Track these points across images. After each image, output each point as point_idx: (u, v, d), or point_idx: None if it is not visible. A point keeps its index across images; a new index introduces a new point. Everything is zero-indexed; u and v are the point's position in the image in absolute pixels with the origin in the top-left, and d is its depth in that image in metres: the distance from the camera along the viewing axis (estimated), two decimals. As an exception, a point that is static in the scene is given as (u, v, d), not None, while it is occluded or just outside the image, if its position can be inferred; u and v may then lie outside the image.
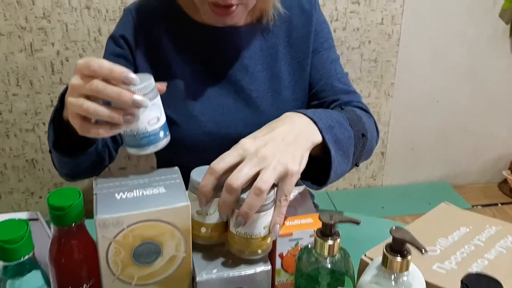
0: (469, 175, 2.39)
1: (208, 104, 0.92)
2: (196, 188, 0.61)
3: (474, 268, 0.64)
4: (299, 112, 0.72)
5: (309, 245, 0.59)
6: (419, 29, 2.04)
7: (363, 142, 0.80)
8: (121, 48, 0.92)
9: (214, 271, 0.61)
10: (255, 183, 0.58)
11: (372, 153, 0.90)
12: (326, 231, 0.55)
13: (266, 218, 0.61)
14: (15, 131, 1.84)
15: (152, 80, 0.62)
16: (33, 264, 0.52)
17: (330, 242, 0.55)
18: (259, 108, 0.93)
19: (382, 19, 1.97)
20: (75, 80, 0.59)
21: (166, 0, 0.93)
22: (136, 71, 0.92)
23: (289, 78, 0.95)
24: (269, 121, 0.70)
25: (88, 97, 0.59)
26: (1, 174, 1.90)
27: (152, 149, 0.64)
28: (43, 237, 0.73)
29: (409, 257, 0.52)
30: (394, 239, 0.52)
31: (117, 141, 0.92)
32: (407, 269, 0.52)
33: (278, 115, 0.72)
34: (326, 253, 0.55)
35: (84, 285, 0.57)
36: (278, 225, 0.62)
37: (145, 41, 0.92)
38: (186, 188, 0.62)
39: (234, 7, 0.80)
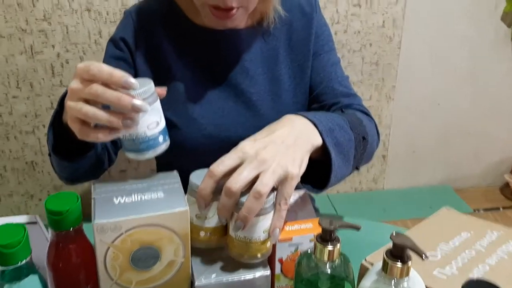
0: (471, 179, 2.39)
1: (208, 107, 0.91)
2: (195, 191, 0.60)
3: (475, 274, 0.64)
4: (299, 115, 0.72)
5: (309, 250, 0.58)
6: (420, 32, 2.04)
7: (363, 145, 0.80)
8: (121, 51, 0.91)
9: (213, 275, 0.60)
10: (254, 187, 0.58)
11: (373, 157, 0.90)
12: (326, 237, 0.55)
13: (265, 221, 0.60)
14: (15, 133, 1.84)
15: (152, 84, 0.61)
16: (30, 269, 0.52)
17: (330, 247, 0.55)
18: (259, 111, 0.93)
19: (383, 22, 1.97)
20: (75, 84, 0.59)
21: (167, 3, 0.93)
22: (136, 73, 0.92)
23: (290, 81, 0.95)
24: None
25: (88, 101, 0.58)
26: (0, 176, 1.90)
27: (151, 154, 0.63)
28: (41, 240, 0.72)
29: (410, 263, 0.51)
30: (394, 245, 0.51)
31: (116, 144, 0.92)
32: (407, 274, 0.52)
33: (278, 118, 0.71)
34: (326, 258, 0.55)
35: (82, 290, 0.57)
36: (278, 229, 0.61)
37: (145, 43, 0.92)
38: (186, 192, 0.62)
39: (234, 10, 0.80)
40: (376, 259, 0.65)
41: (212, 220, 0.62)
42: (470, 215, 0.79)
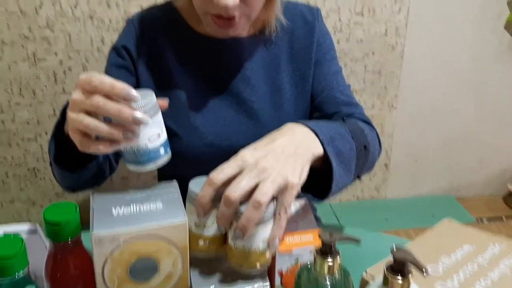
0: (474, 188, 2.38)
1: (209, 115, 0.91)
2: (194, 199, 0.60)
3: (477, 288, 0.63)
4: (300, 123, 0.71)
5: (309, 263, 0.58)
6: (423, 41, 2.04)
7: (365, 154, 0.79)
8: (123, 59, 0.92)
9: (212, 287, 0.60)
10: (254, 196, 0.57)
11: (375, 166, 0.89)
12: (326, 250, 0.54)
13: (265, 231, 0.60)
14: (17, 140, 1.84)
15: (153, 96, 0.61)
16: (27, 281, 0.51)
17: (329, 261, 0.54)
18: (261, 120, 0.93)
19: (386, 30, 1.97)
20: (76, 95, 0.59)
21: (169, 11, 0.93)
22: (138, 82, 0.92)
23: (291, 90, 0.95)
24: None
25: (89, 113, 0.58)
26: (2, 182, 1.90)
27: (152, 166, 0.63)
28: (41, 249, 0.72)
29: (410, 277, 0.51)
30: (395, 259, 0.51)
31: (118, 152, 0.91)
32: (408, 289, 0.51)
33: (279, 126, 0.71)
34: (325, 272, 0.54)
35: (80, 302, 0.56)
36: (277, 239, 0.61)
37: (148, 52, 0.92)
38: (185, 201, 0.61)
39: (237, 19, 0.80)
40: (377, 271, 0.64)
41: (211, 229, 0.61)
42: (472, 227, 0.79)
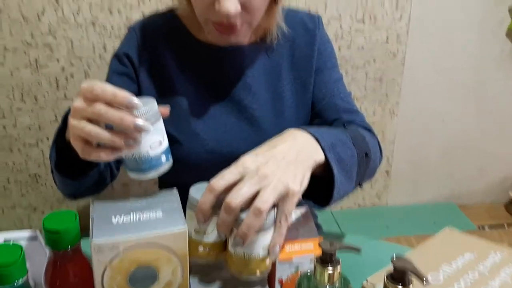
0: (475, 195, 2.37)
1: (210, 122, 0.91)
2: (194, 206, 0.60)
3: (478, 297, 0.63)
4: (301, 129, 0.71)
5: (309, 272, 0.57)
6: (424, 48, 2.04)
7: (366, 161, 0.79)
8: (125, 66, 0.92)
9: (212, 296, 0.60)
10: (255, 203, 0.57)
11: (376, 173, 0.89)
12: (326, 259, 0.54)
13: (265, 238, 0.60)
14: (19, 146, 1.84)
15: (155, 104, 0.61)
16: (26, 289, 0.51)
17: (330, 269, 0.54)
18: (262, 126, 0.93)
19: (387, 37, 1.97)
20: (78, 103, 0.59)
21: (170, 19, 0.94)
22: (139, 89, 0.93)
23: (292, 97, 0.95)
24: None
25: (91, 120, 0.59)
26: (3, 188, 1.90)
27: (153, 174, 0.63)
28: (41, 256, 0.72)
29: (411, 286, 0.51)
30: (395, 268, 0.50)
31: (119, 159, 0.92)
32: (408, 298, 0.51)
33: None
34: (325, 281, 0.54)
35: (79, 310, 0.56)
36: (278, 246, 0.60)
37: (149, 59, 0.92)
38: (185, 209, 0.61)
39: (238, 26, 0.80)
40: (377, 280, 0.64)
41: (211, 235, 0.61)
42: (473, 235, 0.78)
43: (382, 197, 2.30)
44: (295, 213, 0.74)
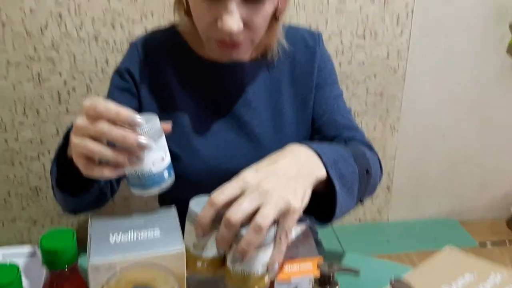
0: (476, 211, 2.36)
1: (211, 138, 0.92)
2: (194, 219, 0.60)
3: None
4: (303, 144, 0.71)
5: (307, 293, 0.57)
6: (425, 64, 2.04)
7: (367, 178, 0.79)
8: (126, 82, 0.93)
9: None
10: (255, 219, 0.57)
11: (376, 189, 0.89)
12: (324, 280, 0.54)
13: (265, 255, 0.59)
14: (20, 159, 1.85)
15: (157, 120, 0.62)
16: (22, 308, 0.51)
17: (328, 291, 0.54)
18: (261, 143, 0.93)
19: (388, 53, 1.98)
20: (81, 121, 0.59)
21: (172, 35, 0.94)
22: (140, 105, 0.93)
23: (292, 114, 0.95)
24: None
25: (93, 138, 0.59)
26: (4, 201, 1.90)
27: (156, 190, 0.63)
28: (39, 272, 0.72)
29: (410, 309, 0.50)
30: (393, 291, 0.50)
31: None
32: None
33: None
34: (324, 302, 0.54)
35: (75, 330, 0.56)
36: (277, 263, 0.60)
37: (150, 75, 0.93)
38: (184, 226, 0.61)
39: (241, 43, 0.81)
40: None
41: (210, 250, 0.61)
42: (474, 255, 0.78)
43: (383, 212, 2.29)
44: (295, 230, 0.73)
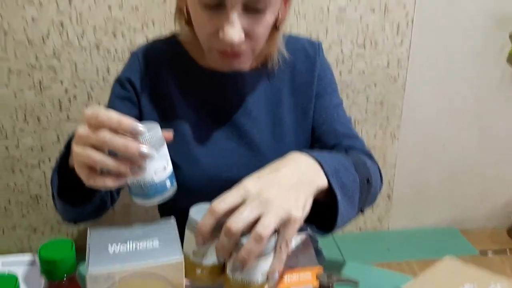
0: (477, 220, 2.35)
1: (211, 147, 0.92)
2: (194, 227, 0.59)
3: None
4: (304, 153, 0.70)
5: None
6: (425, 73, 2.05)
7: (368, 187, 0.78)
8: (127, 91, 0.93)
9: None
10: (256, 229, 0.57)
11: (377, 199, 0.88)
12: (323, 291, 0.54)
13: (264, 264, 0.59)
14: (21, 167, 1.85)
15: (159, 129, 0.62)
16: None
17: (327, 302, 0.53)
18: (261, 152, 0.93)
19: (388, 62, 1.99)
20: (82, 130, 0.59)
21: (173, 44, 0.95)
22: (141, 114, 0.93)
23: (292, 123, 0.95)
24: None
25: (95, 147, 0.59)
26: (4, 209, 1.90)
27: (158, 199, 0.63)
28: (38, 281, 0.72)
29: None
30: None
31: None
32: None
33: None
34: (323, 313, 0.54)
35: None
36: (277, 272, 0.60)
37: (151, 84, 0.93)
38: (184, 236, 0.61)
39: (242, 52, 0.81)
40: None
41: (210, 258, 0.61)
42: (474, 265, 0.78)
43: (384, 221, 2.28)
44: (295, 240, 0.73)
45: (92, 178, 0.60)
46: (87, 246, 0.57)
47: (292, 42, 0.97)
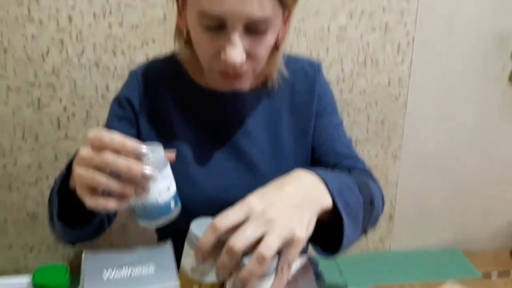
0: (480, 241, 2.33)
1: (209, 168, 0.91)
2: (193, 242, 0.58)
3: None
4: (309, 170, 0.69)
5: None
6: (426, 92, 2.05)
7: (371, 209, 0.77)
8: (125, 111, 0.93)
9: None
10: (259, 249, 0.55)
11: (379, 221, 0.87)
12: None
13: (265, 284, 0.58)
14: (18, 184, 1.83)
15: (162, 150, 0.61)
16: None
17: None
18: (260, 172, 0.92)
19: (389, 81, 1.99)
20: (85, 151, 0.59)
21: (173, 64, 0.94)
22: (139, 133, 0.93)
23: (292, 143, 0.95)
24: None
25: (97, 168, 0.58)
26: (0, 227, 1.88)
27: (163, 220, 0.62)
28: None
29: None
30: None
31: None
32: None
33: None
34: None
35: None
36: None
37: (150, 104, 0.92)
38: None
39: (243, 73, 0.80)
40: None
41: (209, 276, 0.59)
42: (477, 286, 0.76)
43: (386, 241, 2.26)
44: (294, 264, 0.71)
45: (94, 200, 0.59)
46: (81, 271, 0.56)
47: (292, 62, 0.96)
